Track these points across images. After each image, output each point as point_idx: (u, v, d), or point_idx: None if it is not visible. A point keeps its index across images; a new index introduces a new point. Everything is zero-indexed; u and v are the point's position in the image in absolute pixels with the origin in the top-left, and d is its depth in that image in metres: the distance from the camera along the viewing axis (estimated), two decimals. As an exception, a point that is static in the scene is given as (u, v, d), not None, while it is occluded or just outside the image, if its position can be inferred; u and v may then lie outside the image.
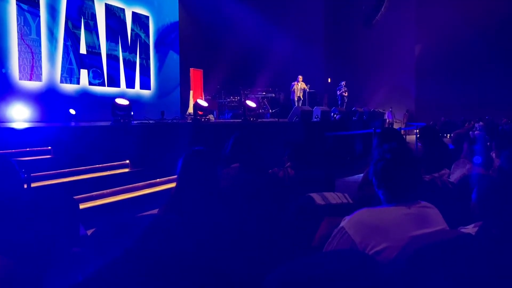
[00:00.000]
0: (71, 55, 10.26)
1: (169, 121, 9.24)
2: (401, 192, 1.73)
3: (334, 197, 2.19)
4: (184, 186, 2.16)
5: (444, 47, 21.65)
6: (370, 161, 1.89)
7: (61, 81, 9.98)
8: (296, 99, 14.03)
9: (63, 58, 10.02)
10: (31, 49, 9.27)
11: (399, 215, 1.67)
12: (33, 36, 9.35)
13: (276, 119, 12.01)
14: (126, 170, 6.04)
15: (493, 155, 3.92)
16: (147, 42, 12.69)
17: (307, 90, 14.44)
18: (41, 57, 9.49)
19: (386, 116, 18.57)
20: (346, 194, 2.27)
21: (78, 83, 10.41)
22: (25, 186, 4.20)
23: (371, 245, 1.61)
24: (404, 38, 22.89)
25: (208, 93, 14.09)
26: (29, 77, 9.24)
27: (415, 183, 1.75)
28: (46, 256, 1.83)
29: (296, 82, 14.06)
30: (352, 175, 7.66)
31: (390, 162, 1.73)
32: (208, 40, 15.47)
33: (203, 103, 9.32)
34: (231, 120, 12.45)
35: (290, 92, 14.34)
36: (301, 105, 13.60)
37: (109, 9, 11.35)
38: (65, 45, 10.07)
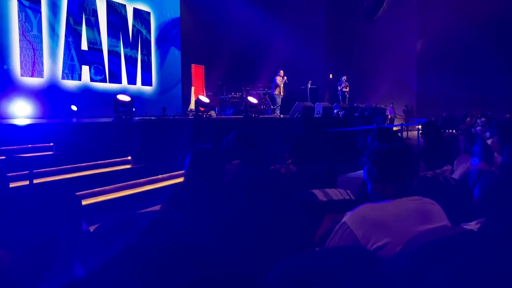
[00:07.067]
0: (73, 51, 10.25)
1: (171, 117, 9.25)
2: (403, 188, 1.73)
3: (336, 194, 2.18)
4: (190, 182, 2.18)
5: (446, 43, 21.54)
6: (368, 158, 1.87)
7: (63, 78, 9.98)
8: (278, 93, 12.85)
9: (64, 54, 10.01)
10: (32, 46, 9.27)
11: (401, 211, 1.67)
12: (35, 32, 9.34)
13: (278, 115, 11.98)
14: (128, 166, 6.06)
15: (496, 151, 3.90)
16: (149, 38, 12.67)
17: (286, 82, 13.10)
18: (42, 53, 9.49)
19: (387, 112, 18.51)
20: (348, 191, 2.25)
21: (79, 79, 10.41)
22: (28, 182, 4.22)
23: (373, 241, 1.61)
24: (406, 33, 22.79)
25: (209, 89, 14.06)
26: (30, 74, 9.24)
27: (415, 179, 1.75)
28: (48, 252, 1.84)
29: (279, 76, 12.81)
30: (354, 171, 7.64)
31: (390, 159, 1.73)
32: (210, 36, 15.44)
33: (204, 99, 9.32)
34: (233, 116, 12.43)
35: (273, 87, 12.99)
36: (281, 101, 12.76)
37: (110, 5, 11.33)
38: (66, 41, 10.06)
